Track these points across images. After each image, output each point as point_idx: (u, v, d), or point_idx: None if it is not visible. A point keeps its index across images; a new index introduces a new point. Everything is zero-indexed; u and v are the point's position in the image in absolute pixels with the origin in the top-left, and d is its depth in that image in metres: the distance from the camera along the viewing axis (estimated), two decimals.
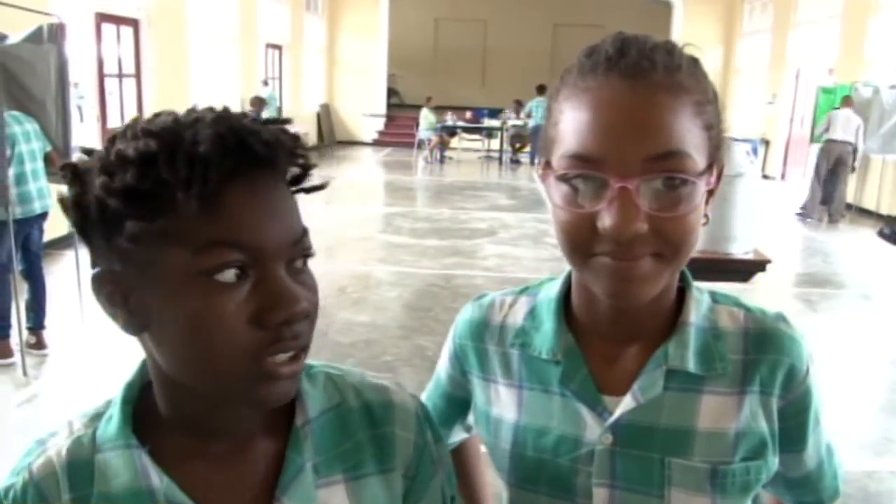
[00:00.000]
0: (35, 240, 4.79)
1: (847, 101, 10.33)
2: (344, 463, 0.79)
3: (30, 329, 4.79)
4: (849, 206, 10.84)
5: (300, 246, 0.69)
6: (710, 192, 0.82)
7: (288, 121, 0.71)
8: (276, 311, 0.65)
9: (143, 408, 0.76)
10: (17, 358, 4.50)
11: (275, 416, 0.77)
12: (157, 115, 0.69)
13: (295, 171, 0.71)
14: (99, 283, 0.69)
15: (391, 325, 5.56)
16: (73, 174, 0.68)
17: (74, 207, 0.67)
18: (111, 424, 0.74)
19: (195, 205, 0.62)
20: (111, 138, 0.68)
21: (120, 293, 0.68)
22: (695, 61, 0.82)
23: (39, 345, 4.78)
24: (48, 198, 4.73)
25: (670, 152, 0.75)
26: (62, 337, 4.86)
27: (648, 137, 0.75)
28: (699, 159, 0.78)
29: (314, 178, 0.74)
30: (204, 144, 0.62)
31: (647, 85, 0.76)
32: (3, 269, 4.53)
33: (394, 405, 0.84)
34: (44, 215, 4.76)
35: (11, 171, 4.39)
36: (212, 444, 0.75)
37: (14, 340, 4.58)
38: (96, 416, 0.77)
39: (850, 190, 10.88)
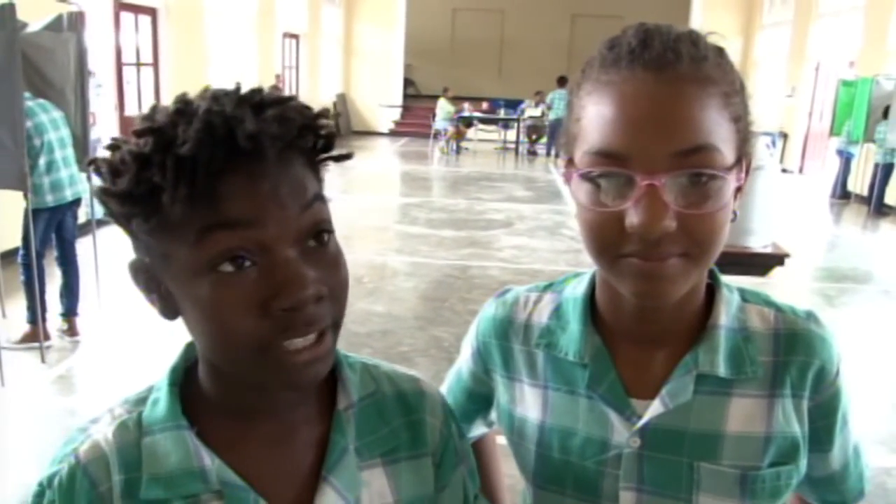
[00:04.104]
0: (69, 227, 4.82)
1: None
2: (381, 447, 0.81)
3: (62, 316, 4.82)
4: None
5: (310, 224, 0.67)
6: (738, 188, 0.79)
7: (291, 98, 0.68)
8: (281, 298, 0.64)
9: (188, 391, 0.76)
10: (37, 343, 4.53)
11: (318, 400, 0.79)
12: (179, 97, 0.68)
13: (313, 141, 0.69)
14: (134, 272, 0.72)
15: (407, 316, 5.56)
16: (97, 170, 0.68)
17: (100, 201, 0.68)
18: (158, 407, 0.74)
19: (184, 202, 0.62)
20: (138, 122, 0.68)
21: (154, 281, 0.70)
22: (720, 51, 0.79)
23: (71, 331, 4.81)
24: (80, 184, 4.75)
25: (698, 147, 0.73)
26: (81, 323, 4.89)
27: (675, 132, 0.73)
28: (728, 153, 0.75)
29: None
30: (190, 143, 0.61)
31: (672, 77, 0.74)
32: (37, 257, 4.55)
33: (425, 394, 0.87)
34: (77, 202, 4.79)
35: (42, 160, 4.43)
36: (258, 426, 0.76)
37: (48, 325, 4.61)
38: (139, 401, 0.77)
39: (866, 184, 10.76)
